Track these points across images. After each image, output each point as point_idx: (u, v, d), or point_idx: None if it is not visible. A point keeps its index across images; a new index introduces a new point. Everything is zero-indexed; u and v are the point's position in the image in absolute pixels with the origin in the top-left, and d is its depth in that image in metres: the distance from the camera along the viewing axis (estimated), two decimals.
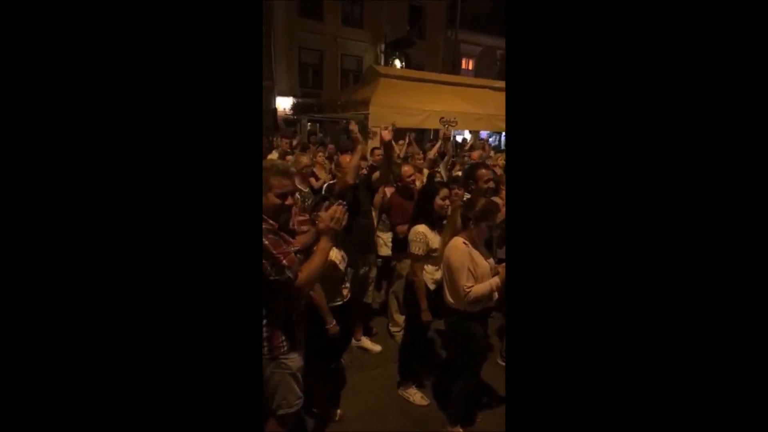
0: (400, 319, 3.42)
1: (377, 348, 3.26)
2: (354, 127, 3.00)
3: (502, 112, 6.26)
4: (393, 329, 3.44)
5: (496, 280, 2.07)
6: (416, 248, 2.45)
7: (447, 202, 2.50)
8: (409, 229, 2.56)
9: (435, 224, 2.51)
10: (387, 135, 2.76)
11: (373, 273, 3.36)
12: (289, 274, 1.55)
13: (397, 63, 13.01)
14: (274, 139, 5.60)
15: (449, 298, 2.19)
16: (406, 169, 3.30)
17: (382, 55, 14.45)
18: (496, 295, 2.10)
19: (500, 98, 7.40)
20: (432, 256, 2.45)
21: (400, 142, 5.54)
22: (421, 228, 2.47)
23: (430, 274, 2.50)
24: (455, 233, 2.19)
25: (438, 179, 3.97)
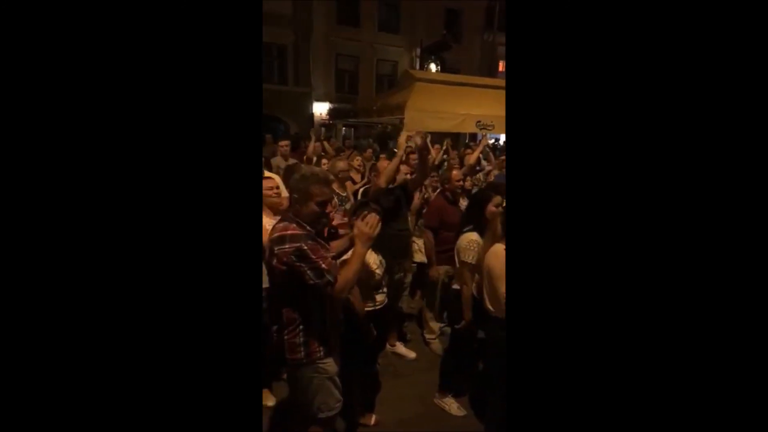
0: (436, 326, 3.38)
1: (412, 354, 3.22)
2: (405, 139, 2.96)
3: None
4: (428, 336, 3.40)
5: None
6: (468, 256, 2.40)
7: (500, 209, 2.43)
8: (457, 237, 2.51)
9: (485, 232, 2.44)
10: (419, 140, 2.75)
11: (408, 279, 3.34)
12: (329, 277, 1.57)
13: (433, 67, 12.92)
14: (307, 144, 5.67)
15: (489, 306, 2.14)
16: (455, 173, 3.25)
17: (418, 60, 14.44)
18: None
19: None
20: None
21: (436, 146, 5.49)
22: (473, 236, 2.41)
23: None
24: (496, 240, 2.13)
25: (470, 186, 3.89)
